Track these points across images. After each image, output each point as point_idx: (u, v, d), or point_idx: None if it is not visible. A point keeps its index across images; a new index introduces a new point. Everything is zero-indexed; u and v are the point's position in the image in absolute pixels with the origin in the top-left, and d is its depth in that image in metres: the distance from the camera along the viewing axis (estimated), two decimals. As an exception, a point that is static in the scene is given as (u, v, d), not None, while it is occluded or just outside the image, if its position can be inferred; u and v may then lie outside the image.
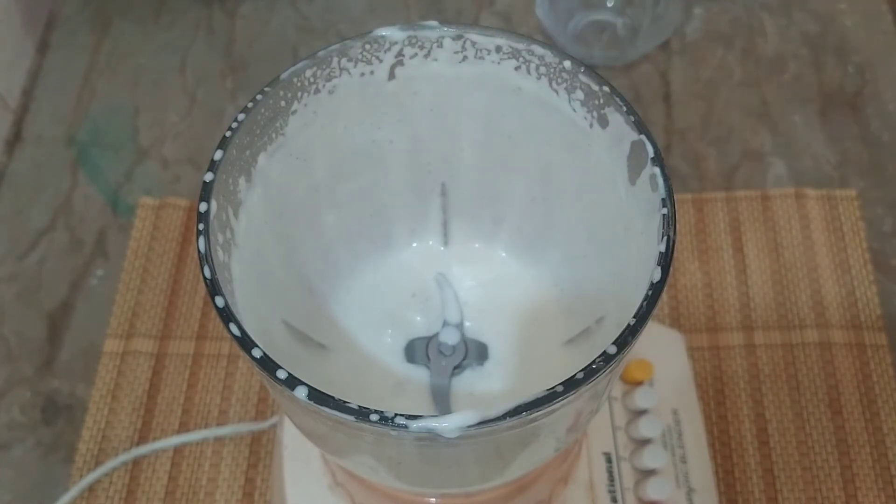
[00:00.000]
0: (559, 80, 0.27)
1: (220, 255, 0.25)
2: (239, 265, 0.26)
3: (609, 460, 0.39)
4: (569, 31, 0.61)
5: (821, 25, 0.62)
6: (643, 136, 0.25)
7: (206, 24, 0.63)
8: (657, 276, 0.23)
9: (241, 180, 0.27)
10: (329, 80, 0.28)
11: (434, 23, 0.27)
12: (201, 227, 0.24)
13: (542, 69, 0.28)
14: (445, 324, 0.33)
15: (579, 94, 0.27)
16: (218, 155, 0.25)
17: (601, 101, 0.27)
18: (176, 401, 0.48)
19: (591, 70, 0.26)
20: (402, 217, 0.34)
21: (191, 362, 0.49)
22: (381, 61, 0.28)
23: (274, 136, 0.28)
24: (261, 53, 0.62)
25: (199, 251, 0.23)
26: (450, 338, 0.32)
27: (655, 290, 0.23)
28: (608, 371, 0.22)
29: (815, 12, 0.63)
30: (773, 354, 0.49)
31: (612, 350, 0.22)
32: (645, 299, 0.22)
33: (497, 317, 0.33)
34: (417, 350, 0.32)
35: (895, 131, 0.57)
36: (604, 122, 0.27)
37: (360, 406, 0.21)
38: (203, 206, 0.24)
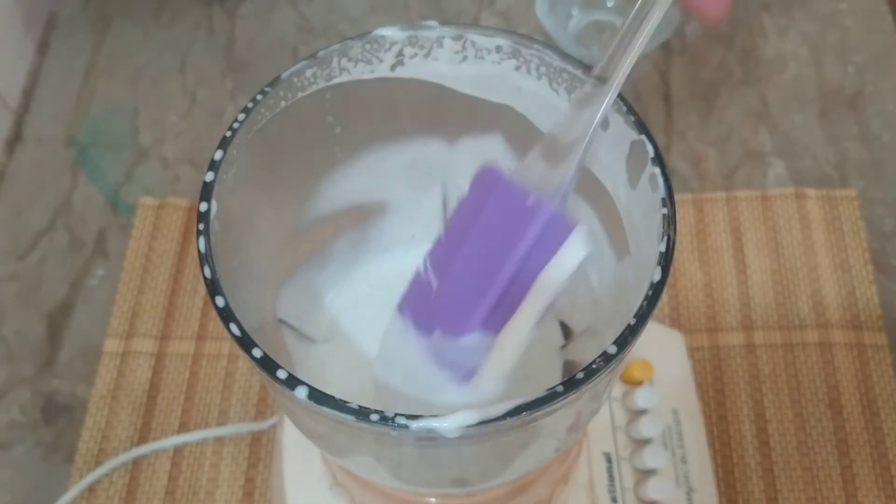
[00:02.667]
0: (559, 80, 0.27)
1: (220, 254, 0.25)
2: (239, 264, 0.26)
3: (609, 460, 0.39)
4: (569, 31, 0.61)
5: (821, 25, 0.62)
6: (643, 136, 0.25)
7: (206, 24, 0.63)
8: (657, 276, 0.23)
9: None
10: (329, 80, 0.28)
11: (434, 23, 0.27)
12: (201, 227, 0.24)
13: (543, 69, 0.28)
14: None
15: (579, 94, 0.27)
16: (218, 155, 0.25)
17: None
18: (176, 401, 0.48)
19: (592, 70, 0.26)
20: (402, 217, 0.34)
21: (191, 362, 0.49)
22: (381, 61, 0.28)
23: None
24: (261, 53, 0.62)
25: (199, 251, 0.23)
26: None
27: (655, 290, 0.23)
28: (608, 371, 0.22)
29: (815, 12, 0.63)
30: (773, 354, 0.49)
31: (613, 350, 0.22)
32: (645, 299, 0.22)
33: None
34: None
35: (895, 131, 0.57)
36: (604, 123, 0.27)
37: (360, 406, 0.21)
38: (203, 206, 0.24)
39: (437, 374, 0.27)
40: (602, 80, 0.25)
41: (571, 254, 0.25)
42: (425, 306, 0.27)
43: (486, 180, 0.26)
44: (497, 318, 0.25)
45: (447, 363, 0.26)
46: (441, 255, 0.27)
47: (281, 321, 0.31)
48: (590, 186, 0.29)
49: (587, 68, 0.27)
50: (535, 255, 0.25)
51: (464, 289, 0.26)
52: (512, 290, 0.25)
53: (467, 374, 0.26)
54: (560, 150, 0.25)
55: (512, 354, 0.26)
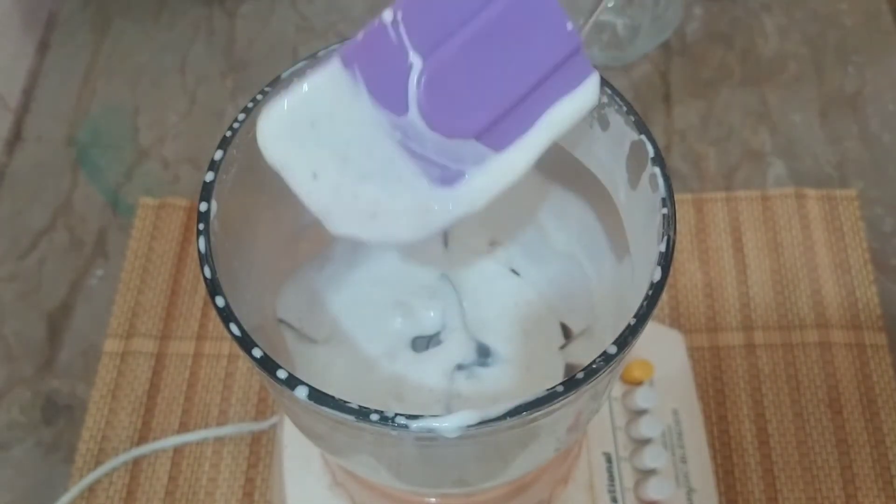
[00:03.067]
0: (559, 80, 0.27)
1: (220, 254, 0.25)
2: (239, 264, 0.26)
3: (609, 460, 0.39)
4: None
5: (821, 25, 0.62)
6: (643, 136, 0.25)
7: (206, 24, 0.63)
8: (657, 276, 0.23)
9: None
10: (329, 80, 0.28)
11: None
12: (201, 227, 0.24)
13: (543, 69, 0.28)
14: (447, 323, 0.33)
15: (579, 94, 0.27)
16: (218, 155, 0.25)
17: (601, 101, 0.27)
18: (176, 401, 0.48)
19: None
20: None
21: (191, 362, 0.49)
22: (381, 61, 0.28)
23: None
24: (261, 53, 0.62)
25: (199, 251, 0.23)
26: (451, 337, 0.32)
27: (655, 290, 0.23)
28: (608, 371, 0.22)
29: (815, 12, 0.63)
30: (773, 354, 0.49)
31: (612, 350, 0.22)
32: (645, 299, 0.22)
33: (498, 316, 0.33)
34: (419, 349, 0.32)
35: (895, 131, 0.57)
36: (604, 123, 0.27)
37: (360, 406, 0.21)
38: (203, 206, 0.24)
39: (405, 163, 0.23)
40: None
41: (586, 96, 0.24)
42: (392, 76, 0.22)
43: None
44: (496, 134, 0.23)
45: (421, 156, 0.23)
46: (426, 21, 0.22)
47: (281, 321, 0.31)
48: (590, 186, 0.29)
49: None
50: (553, 83, 0.23)
51: (463, 85, 0.23)
52: (520, 109, 0.23)
53: (448, 178, 0.24)
54: None
55: (508, 180, 0.24)
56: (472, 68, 0.23)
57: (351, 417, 0.21)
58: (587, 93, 0.24)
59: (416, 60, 0.22)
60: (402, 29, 0.22)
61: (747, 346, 0.49)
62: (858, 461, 0.46)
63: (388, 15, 0.22)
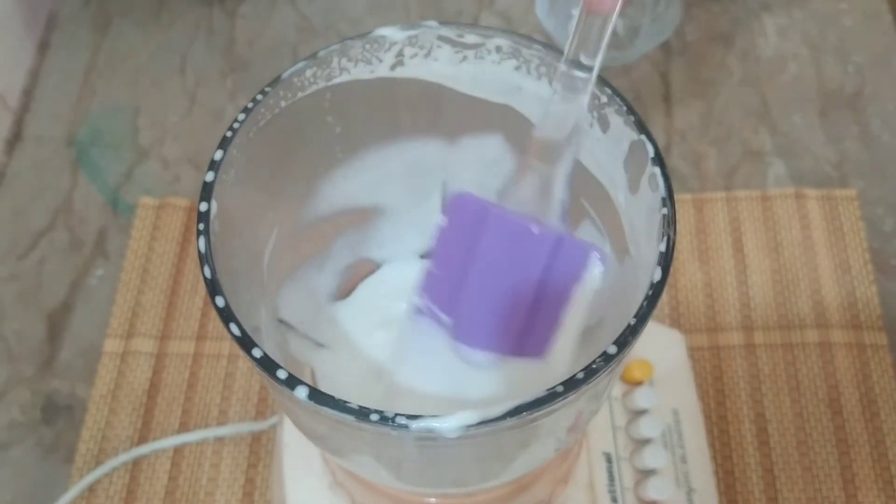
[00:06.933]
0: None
1: (220, 254, 0.25)
2: (239, 264, 0.26)
3: (609, 460, 0.39)
4: (569, 31, 0.60)
5: (821, 25, 0.62)
6: (643, 136, 0.25)
7: (206, 24, 0.63)
8: (657, 276, 0.23)
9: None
10: (329, 80, 0.28)
11: (434, 23, 0.27)
12: (201, 227, 0.24)
13: (543, 69, 0.28)
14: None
15: (579, 95, 0.27)
16: (218, 155, 0.25)
17: (601, 101, 0.27)
18: (176, 401, 0.48)
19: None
20: (403, 217, 0.34)
21: (191, 362, 0.49)
22: (381, 61, 0.28)
23: (274, 135, 0.28)
24: (261, 53, 0.62)
25: (199, 251, 0.23)
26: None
27: (655, 290, 0.23)
28: (608, 371, 0.22)
29: (815, 12, 0.63)
30: (773, 354, 0.49)
31: (612, 350, 0.22)
32: (645, 299, 0.22)
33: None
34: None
35: (895, 131, 0.57)
36: (604, 123, 0.27)
37: (360, 406, 0.21)
38: (203, 206, 0.24)
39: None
40: (579, 63, 0.25)
41: (593, 275, 0.27)
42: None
43: (469, 210, 0.27)
44: (529, 345, 0.27)
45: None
46: (441, 289, 0.27)
47: (281, 321, 0.31)
48: (590, 187, 0.29)
49: (584, 66, 0.27)
50: (555, 278, 0.26)
51: (483, 316, 0.27)
52: (539, 316, 0.26)
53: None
54: (553, 149, 0.25)
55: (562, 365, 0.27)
56: (483, 304, 0.27)
57: (351, 417, 0.21)
58: (593, 271, 0.27)
59: (446, 318, 0.28)
60: (432, 307, 0.28)
61: (747, 346, 0.49)
62: (858, 461, 0.46)
63: (420, 302, 0.28)
